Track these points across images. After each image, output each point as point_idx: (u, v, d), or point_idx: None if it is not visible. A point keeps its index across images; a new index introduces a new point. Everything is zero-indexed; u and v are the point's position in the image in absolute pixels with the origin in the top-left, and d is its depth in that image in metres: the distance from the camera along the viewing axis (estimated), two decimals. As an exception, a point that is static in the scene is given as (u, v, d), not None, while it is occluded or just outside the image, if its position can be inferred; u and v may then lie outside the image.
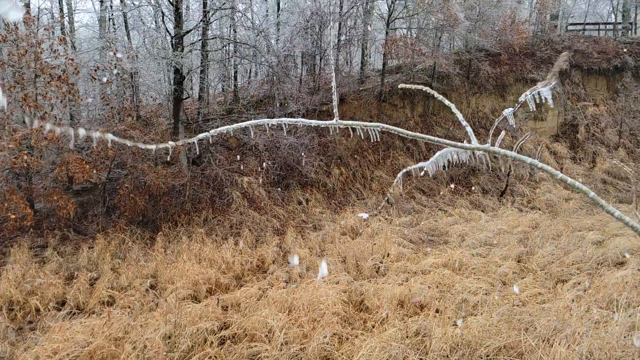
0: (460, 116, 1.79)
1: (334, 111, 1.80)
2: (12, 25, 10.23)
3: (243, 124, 1.82)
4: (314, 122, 1.81)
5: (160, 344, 5.67)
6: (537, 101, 1.70)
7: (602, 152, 18.98)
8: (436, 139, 1.75)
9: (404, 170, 1.96)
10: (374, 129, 1.82)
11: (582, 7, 29.98)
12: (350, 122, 1.78)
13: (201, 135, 1.78)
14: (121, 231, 10.75)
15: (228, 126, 1.78)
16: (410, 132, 1.75)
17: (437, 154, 1.74)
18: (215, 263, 9.14)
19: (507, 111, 1.92)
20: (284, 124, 1.85)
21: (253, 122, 1.81)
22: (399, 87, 2.15)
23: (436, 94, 1.97)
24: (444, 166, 1.87)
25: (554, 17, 23.93)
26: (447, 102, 1.87)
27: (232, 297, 7.35)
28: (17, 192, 9.92)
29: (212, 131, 1.77)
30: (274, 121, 1.79)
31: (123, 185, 11.12)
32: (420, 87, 1.95)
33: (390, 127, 1.76)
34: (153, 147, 1.65)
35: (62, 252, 9.84)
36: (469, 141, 1.71)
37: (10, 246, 9.69)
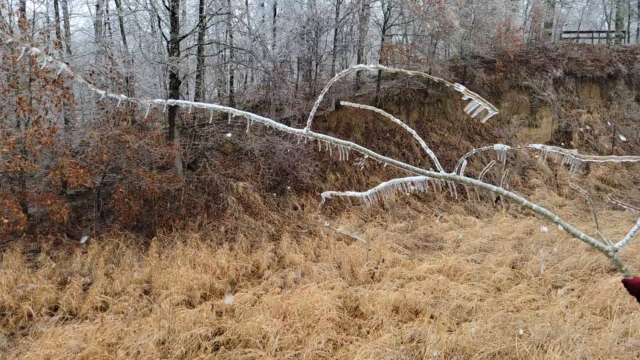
0: (423, 143, 1.78)
1: (308, 121, 1.75)
2: (7, 28, 10.21)
3: (205, 105, 1.78)
4: (281, 127, 1.76)
5: (153, 349, 5.63)
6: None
7: (595, 159, 19.09)
8: (405, 165, 1.72)
9: (328, 193, 1.88)
10: (344, 147, 1.78)
11: (576, 15, 30.28)
12: (320, 135, 1.73)
13: (157, 101, 1.72)
14: (115, 236, 10.69)
15: (191, 103, 1.75)
16: (379, 156, 1.72)
17: (383, 185, 1.70)
18: (210, 268, 9.11)
19: (498, 146, 1.87)
20: (250, 119, 1.78)
21: (219, 107, 1.77)
22: (341, 103, 2.14)
23: (386, 114, 1.94)
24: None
25: (548, 25, 24.15)
26: (408, 128, 1.87)
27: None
28: (10, 196, 9.85)
29: (164, 101, 1.71)
30: (240, 112, 1.74)
31: (117, 189, 11.06)
32: (368, 107, 1.92)
33: (360, 147, 1.72)
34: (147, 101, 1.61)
35: (55, 257, 9.77)
36: (435, 168, 1.70)
37: (2, 251, 9.62)
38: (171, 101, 1.68)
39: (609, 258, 1.33)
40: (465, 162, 1.79)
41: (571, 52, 21.69)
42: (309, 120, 1.72)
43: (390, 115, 1.92)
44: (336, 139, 1.73)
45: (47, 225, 10.80)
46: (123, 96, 1.56)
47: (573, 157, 1.61)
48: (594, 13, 31.75)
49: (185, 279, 8.27)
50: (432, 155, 1.62)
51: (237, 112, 1.73)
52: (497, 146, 1.80)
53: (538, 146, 1.70)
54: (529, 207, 1.48)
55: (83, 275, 8.92)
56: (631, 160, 1.50)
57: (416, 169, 1.63)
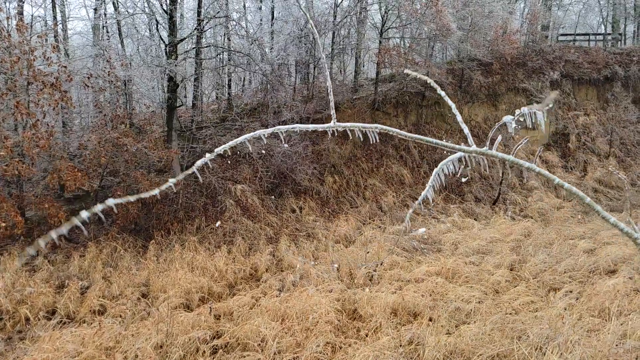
0: (459, 117, 1.80)
1: (332, 113, 1.80)
2: (5, 32, 10.20)
3: (240, 139, 1.82)
4: (311, 127, 1.81)
5: (151, 353, 5.62)
6: (532, 120, 1.74)
7: (593, 161, 19.16)
8: (435, 140, 1.75)
9: (411, 210, 1.93)
10: (372, 131, 1.83)
11: (573, 18, 30.42)
12: (348, 124, 1.78)
13: (199, 162, 1.76)
14: (113, 239, 10.67)
15: (227, 144, 1.79)
16: (408, 134, 1.75)
17: (434, 172, 1.74)
18: (208, 271, 9.09)
19: (507, 118, 1.96)
20: (280, 131, 1.85)
21: (248, 135, 1.80)
22: (407, 72, 2.16)
23: (439, 89, 1.97)
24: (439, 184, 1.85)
25: (545, 27, 24.24)
26: (449, 101, 1.88)
27: (225, 306, 7.31)
28: (7, 199, 9.82)
29: (213, 153, 1.75)
30: (270, 130, 1.79)
31: (115, 193, 11.05)
32: (430, 81, 1.96)
33: (388, 128, 1.77)
34: (156, 191, 1.66)
35: (52, 261, 9.74)
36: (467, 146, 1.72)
37: (0, 254, 9.58)
38: (210, 155, 1.72)
39: (637, 246, 1.34)
40: (500, 137, 1.90)
41: (568, 54, 21.78)
42: (333, 112, 1.80)
43: (442, 91, 1.99)
44: (364, 125, 1.80)
45: (44, 229, 10.76)
46: (172, 183, 1.61)
47: (536, 110, 1.71)
48: (590, 16, 31.90)
49: (183, 282, 8.25)
50: (466, 130, 1.66)
51: (267, 131, 1.79)
52: (506, 118, 1.93)
53: (516, 114, 1.79)
54: (560, 186, 1.51)
55: (81, 279, 8.89)
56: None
57: (449, 144, 1.67)
